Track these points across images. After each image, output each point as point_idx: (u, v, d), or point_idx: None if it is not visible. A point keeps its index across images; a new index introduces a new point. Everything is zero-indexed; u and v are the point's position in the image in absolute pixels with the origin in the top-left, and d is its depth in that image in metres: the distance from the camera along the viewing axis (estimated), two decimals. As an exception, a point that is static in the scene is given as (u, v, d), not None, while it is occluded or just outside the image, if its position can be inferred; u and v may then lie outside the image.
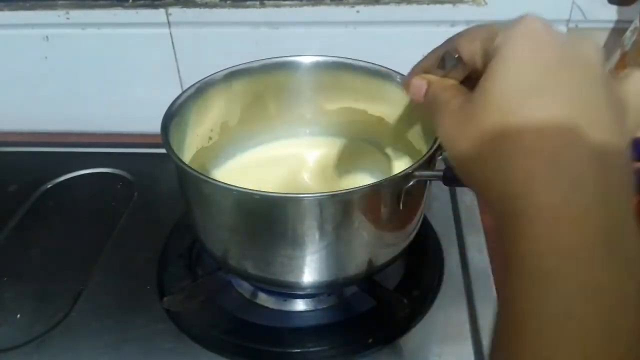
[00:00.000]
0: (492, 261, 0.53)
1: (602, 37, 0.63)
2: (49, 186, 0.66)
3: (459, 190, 0.61)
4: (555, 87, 0.24)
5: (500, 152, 0.25)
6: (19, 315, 0.50)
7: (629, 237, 0.23)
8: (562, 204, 0.23)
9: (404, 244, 0.47)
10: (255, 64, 0.53)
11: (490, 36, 0.27)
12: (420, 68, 0.34)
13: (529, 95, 0.24)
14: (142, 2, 0.66)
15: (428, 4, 0.62)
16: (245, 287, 0.51)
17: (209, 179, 0.40)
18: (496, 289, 0.24)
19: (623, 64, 0.53)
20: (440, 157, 0.42)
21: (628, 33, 0.53)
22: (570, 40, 0.26)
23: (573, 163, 0.23)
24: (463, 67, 0.30)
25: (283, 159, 0.56)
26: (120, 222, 0.60)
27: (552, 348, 0.22)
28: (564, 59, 0.25)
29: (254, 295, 0.51)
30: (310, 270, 0.43)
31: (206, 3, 0.65)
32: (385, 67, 0.51)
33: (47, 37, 0.69)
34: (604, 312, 0.22)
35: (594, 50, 0.26)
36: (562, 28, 0.63)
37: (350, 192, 0.39)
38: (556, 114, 0.24)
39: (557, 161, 0.23)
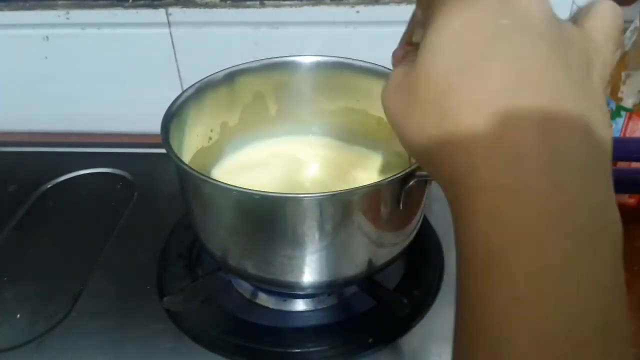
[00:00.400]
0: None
1: (602, 37, 0.63)
2: (49, 186, 0.66)
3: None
4: (492, 58, 0.22)
5: (442, 136, 0.23)
6: (19, 315, 0.50)
7: (582, 209, 0.21)
8: (503, 179, 0.21)
9: (404, 244, 0.47)
10: (255, 64, 0.53)
11: None
12: (405, 38, 0.32)
13: (465, 71, 0.22)
14: (142, 2, 0.66)
15: (428, 4, 0.62)
16: (245, 287, 0.51)
17: (209, 179, 0.40)
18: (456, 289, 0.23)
19: (623, 64, 0.53)
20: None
21: (628, 33, 0.53)
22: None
23: (513, 136, 0.21)
24: None
25: (283, 160, 0.56)
26: (120, 222, 0.60)
27: (509, 333, 0.20)
28: (502, 24, 0.22)
29: (254, 295, 0.51)
30: (310, 270, 0.43)
31: (206, 3, 0.65)
32: (385, 67, 0.51)
33: (47, 37, 0.69)
34: (558, 294, 0.20)
35: (537, 4, 0.23)
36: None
37: (350, 192, 0.39)
38: (493, 87, 0.22)
39: (496, 136, 0.21)
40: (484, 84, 0.22)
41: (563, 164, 0.21)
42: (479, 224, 0.21)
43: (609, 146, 0.23)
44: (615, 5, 0.25)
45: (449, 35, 0.23)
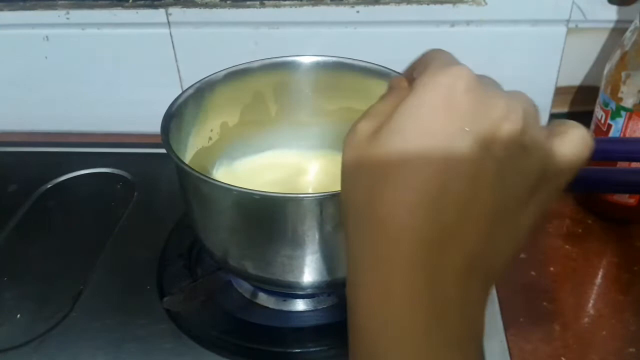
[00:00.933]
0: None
1: (602, 37, 0.63)
2: (49, 186, 0.66)
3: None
4: (425, 162, 0.22)
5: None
6: (19, 315, 0.50)
7: (457, 322, 0.23)
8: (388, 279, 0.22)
9: (404, 244, 0.47)
10: (255, 64, 0.53)
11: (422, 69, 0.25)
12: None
13: (408, 155, 0.22)
14: (142, 2, 0.66)
15: (428, 4, 0.62)
16: (245, 287, 0.51)
17: (209, 179, 0.40)
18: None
19: (623, 64, 0.53)
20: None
21: (628, 33, 0.53)
22: (487, 109, 0.23)
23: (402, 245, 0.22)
24: None
25: (283, 159, 0.56)
26: (120, 222, 0.60)
27: None
28: (465, 131, 0.22)
29: (254, 295, 0.51)
30: (310, 270, 0.43)
31: (206, 3, 0.65)
32: (385, 67, 0.51)
33: (47, 37, 0.69)
34: None
35: (512, 121, 0.23)
36: (562, 28, 0.63)
37: (350, 192, 0.39)
38: (411, 185, 0.22)
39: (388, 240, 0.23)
40: (404, 178, 0.22)
41: (443, 278, 0.22)
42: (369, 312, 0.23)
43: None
44: (588, 135, 0.25)
45: (412, 117, 0.23)
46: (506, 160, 0.23)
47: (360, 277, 0.23)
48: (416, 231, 0.22)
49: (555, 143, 0.24)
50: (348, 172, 0.25)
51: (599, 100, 0.56)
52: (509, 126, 0.23)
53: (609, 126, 0.55)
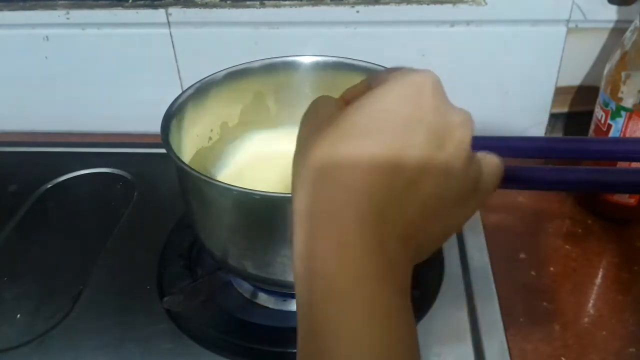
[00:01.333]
0: (492, 261, 0.53)
1: (602, 37, 0.63)
2: (49, 186, 0.66)
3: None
4: (388, 144, 0.25)
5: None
6: (19, 315, 0.51)
7: (400, 273, 0.25)
8: (335, 226, 0.24)
9: (404, 244, 0.47)
10: (255, 64, 0.53)
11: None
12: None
13: (358, 138, 0.25)
14: (142, 2, 0.66)
15: (428, 4, 0.62)
16: (245, 287, 0.51)
17: (209, 179, 0.40)
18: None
19: (623, 64, 0.53)
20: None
21: (628, 33, 0.53)
22: (446, 113, 0.26)
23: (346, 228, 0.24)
24: None
25: (283, 160, 0.56)
26: (120, 222, 0.60)
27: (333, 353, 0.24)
28: (425, 123, 0.25)
29: (254, 295, 0.51)
30: (310, 270, 0.43)
31: (206, 3, 0.65)
32: (385, 67, 0.51)
33: (47, 37, 0.69)
34: (375, 321, 0.24)
35: (463, 131, 0.26)
36: (562, 28, 0.63)
37: (350, 192, 0.39)
38: (361, 160, 0.25)
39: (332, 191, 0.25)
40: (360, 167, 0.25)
41: (387, 234, 0.25)
42: (314, 260, 0.24)
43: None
44: (502, 162, 0.29)
45: (377, 104, 0.26)
46: (453, 160, 0.26)
47: (319, 226, 0.25)
48: (369, 194, 0.24)
49: (483, 163, 0.28)
50: (308, 138, 0.27)
51: (599, 100, 0.56)
52: (463, 132, 0.27)
53: (609, 126, 0.55)
